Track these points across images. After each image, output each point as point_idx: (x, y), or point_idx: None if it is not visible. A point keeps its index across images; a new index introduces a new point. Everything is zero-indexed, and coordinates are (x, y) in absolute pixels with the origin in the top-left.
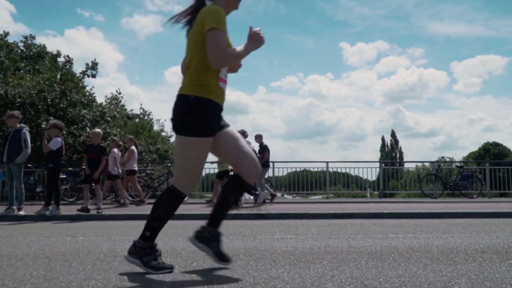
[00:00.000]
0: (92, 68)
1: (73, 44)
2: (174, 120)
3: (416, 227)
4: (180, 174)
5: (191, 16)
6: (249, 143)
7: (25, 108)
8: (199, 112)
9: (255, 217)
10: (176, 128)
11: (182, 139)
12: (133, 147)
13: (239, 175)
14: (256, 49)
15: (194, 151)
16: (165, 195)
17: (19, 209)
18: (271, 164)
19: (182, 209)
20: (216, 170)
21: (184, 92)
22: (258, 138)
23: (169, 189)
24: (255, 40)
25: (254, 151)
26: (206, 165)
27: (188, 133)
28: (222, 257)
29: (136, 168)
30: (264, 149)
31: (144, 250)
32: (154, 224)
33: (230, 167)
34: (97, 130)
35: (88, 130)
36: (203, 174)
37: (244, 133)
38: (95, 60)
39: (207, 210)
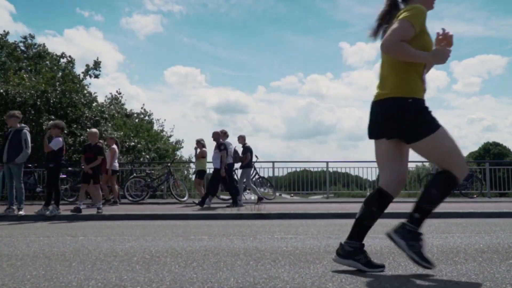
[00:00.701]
0: (95, 68)
1: (73, 44)
2: (400, 128)
3: None
4: (451, 163)
5: (383, 21)
6: (230, 144)
7: (25, 107)
8: (424, 111)
9: (255, 217)
10: (410, 136)
11: (428, 140)
12: (114, 146)
13: (447, 171)
14: (434, 63)
15: (447, 139)
16: (441, 181)
17: (19, 209)
18: (270, 164)
19: (182, 209)
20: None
21: (397, 95)
22: (241, 139)
23: (447, 176)
24: (438, 55)
25: (236, 152)
26: (209, 166)
27: (431, 132)
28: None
29: (117, 168)
30: (246, 150)
31: (412, 234)
32: (427, 207)
33: (207, 166)
34: (94, 130)
35: (87, 130)
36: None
37: (225, 134)
38: (97, 59)
39: (202, 210)
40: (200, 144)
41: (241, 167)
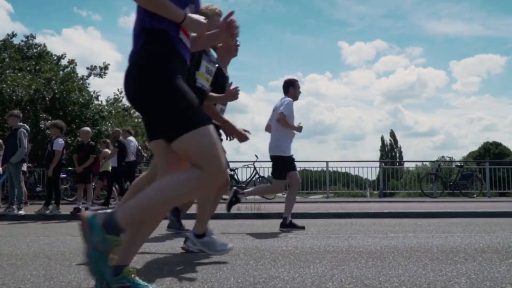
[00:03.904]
0: (100, 73)
1: (71, 43)
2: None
3: (416, 227)
4: None
5: None
6: (130, 142)
7: (22, 107)
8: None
9: (255, 217)
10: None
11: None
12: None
13: None
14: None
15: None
16: None
17: (19, 209)
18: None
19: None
20: None
21: None
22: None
23: None
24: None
25: (139, 150)
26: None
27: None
28: None
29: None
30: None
31: None
32: None
33: (110, 167)
34: (86, 128)
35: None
36: None
37: (128, 131)
38: (106, 63)
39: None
40: (103, 144)
41: None
